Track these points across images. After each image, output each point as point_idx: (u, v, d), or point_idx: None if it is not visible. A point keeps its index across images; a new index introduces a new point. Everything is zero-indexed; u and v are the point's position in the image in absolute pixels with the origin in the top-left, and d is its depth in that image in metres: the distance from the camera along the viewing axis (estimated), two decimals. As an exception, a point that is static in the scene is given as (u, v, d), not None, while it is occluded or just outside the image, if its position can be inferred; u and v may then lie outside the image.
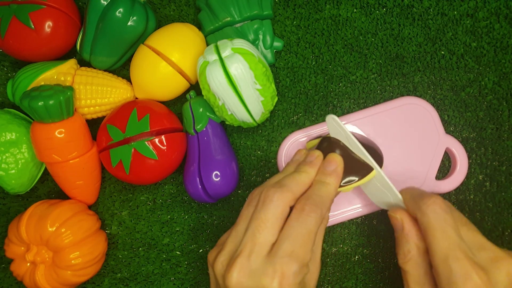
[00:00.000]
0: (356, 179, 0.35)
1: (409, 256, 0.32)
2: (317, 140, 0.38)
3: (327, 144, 0.36)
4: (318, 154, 0.35)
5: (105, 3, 0.39)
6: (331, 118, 0.35)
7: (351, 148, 0.35)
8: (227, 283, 0.29)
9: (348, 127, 0.42)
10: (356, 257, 0.43)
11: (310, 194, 0.32)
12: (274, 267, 0.28)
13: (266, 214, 0.30)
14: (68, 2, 0.41)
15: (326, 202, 0.32)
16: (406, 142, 0.41)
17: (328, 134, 0.37)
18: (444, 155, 0.42)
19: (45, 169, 0.44)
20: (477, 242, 0.31)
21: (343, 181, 0.35)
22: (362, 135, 0.41)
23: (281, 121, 0.44)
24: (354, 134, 0.35)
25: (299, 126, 0.44)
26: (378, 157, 0.37)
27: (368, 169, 0.35)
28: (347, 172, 0.35)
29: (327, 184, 0.33)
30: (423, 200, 0.31)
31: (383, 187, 0.36)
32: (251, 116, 0.40)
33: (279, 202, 0.31)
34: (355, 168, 0.35)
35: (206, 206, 0.44)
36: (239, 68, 0.36)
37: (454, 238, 0.29)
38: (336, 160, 0.34)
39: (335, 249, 0.43)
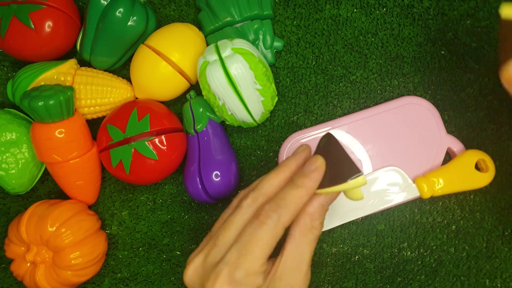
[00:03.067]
0: (361, 173, 0.34)
1: None
2: None
3: (326, 140, 0.34)
4: (319, 163, 0.31)
5: (105, 3, 0.39)
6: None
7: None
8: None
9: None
10: (356, 257, 0.43)
11: (274, 197, 0.30)
12: (216, 272, 0.28)
13: (262, 235, 0.29)
14: (68, 2, 0.41)
15: (289, 206, 0.29)
16: (408, 142, 0.41)
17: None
18: (445, 154, 0.42)
19: (45, 169, 0.44)
20: None
21: (351, 178, 0.31)
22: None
23: (281, 121, 0.44)
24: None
25: (299, 126, 0.44)
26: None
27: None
28: (348, 170, 0.34)
29: (297, 186, 0.30)
30: None
31: None
32: (251, 116, 0.39)
33: (277, 229, 0.29)
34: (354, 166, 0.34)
35: (206, 206, 0.44)
36: (239, 68, 0.36)
37: None
38: (316, 163, 0.31)
39: (335, 249, 0.43)
